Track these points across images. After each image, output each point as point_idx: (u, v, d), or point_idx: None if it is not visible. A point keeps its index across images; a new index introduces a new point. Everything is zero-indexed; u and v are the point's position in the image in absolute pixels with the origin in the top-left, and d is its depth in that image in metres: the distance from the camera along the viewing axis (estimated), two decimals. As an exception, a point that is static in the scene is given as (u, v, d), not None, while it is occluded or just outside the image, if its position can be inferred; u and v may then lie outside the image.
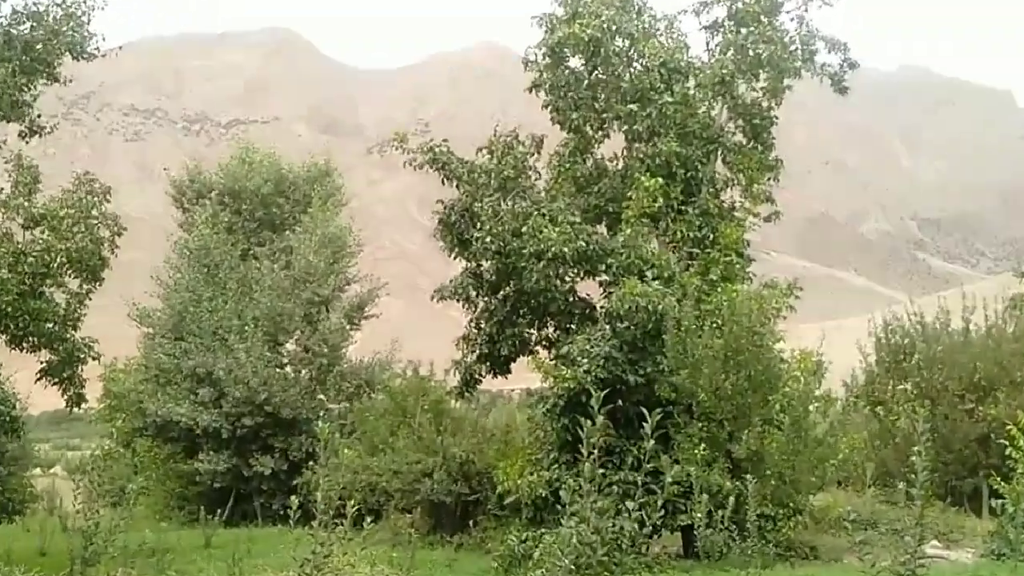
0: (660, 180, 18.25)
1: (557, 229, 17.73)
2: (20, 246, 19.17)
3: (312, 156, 34.15)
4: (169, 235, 31.84)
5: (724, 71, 19.25)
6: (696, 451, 15.56)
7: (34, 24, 18.42)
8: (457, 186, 19.57)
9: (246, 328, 27.97)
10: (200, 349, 28.07)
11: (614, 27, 19.49)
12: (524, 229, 18.04)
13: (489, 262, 19.38)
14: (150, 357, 29.46)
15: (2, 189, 20.03)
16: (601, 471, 7.14)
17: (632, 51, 19.86)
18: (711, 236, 18.82)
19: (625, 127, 19.85)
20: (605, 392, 7.79)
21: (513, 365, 20.24)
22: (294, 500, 7.65)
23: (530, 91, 20.62)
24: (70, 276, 19.79)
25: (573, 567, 6.85)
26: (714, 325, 16.43)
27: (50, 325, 19.49)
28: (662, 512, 7.28)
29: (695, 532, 10.85)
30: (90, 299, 20.24)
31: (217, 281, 29.16)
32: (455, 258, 19.93)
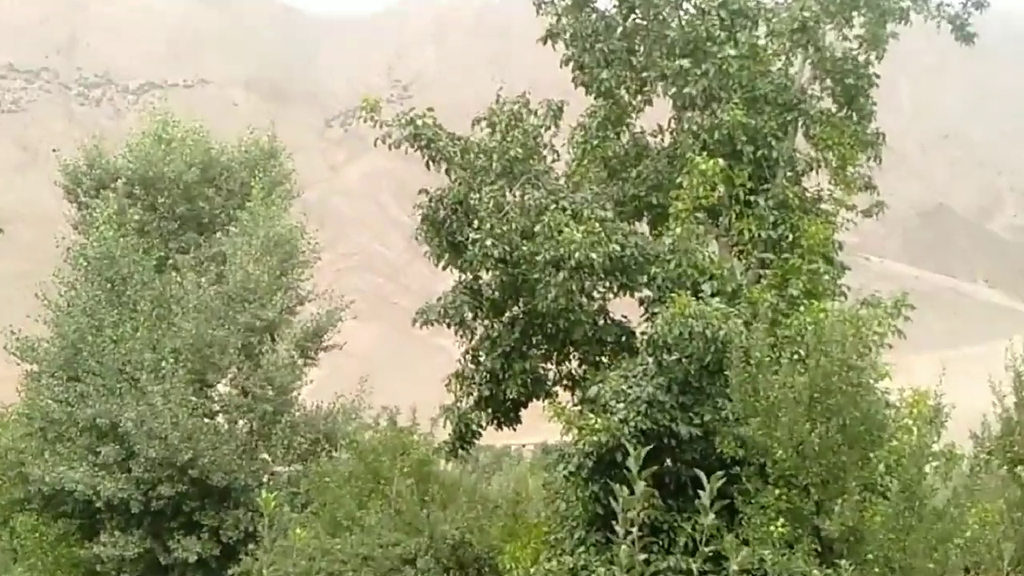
0: (720, 161, 18.29)
1: (582, 228, 17.76)
2: None
3: (252, 131, 34.24)
4: (60, 239, 31.95)
5: (806, 14, 19.34)
6: (772, 528, 15.51)
7: None
8: (447, 171, 19.64)
9: (163, 364, 27.98)
10: (102, 393, 28.06)
11: (657, -45, 19.61)
12: (538, 228, 18.08)
13: (490, 273, 19.40)
14: (35, 404, 29.45)
15: None
16: (643, 556, 7.11)
17: (683, -14, 19.95)
18: (790, 236, 18.84)
19: (673, 90, 19.92)
20: (648, 448, 7.77)
21: (524, 412, 20.24)
22: (229, 598, 7.64)
23: (544, 42, 20.73)
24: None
25: None
26: (795, 357, 16.41)
27: None
28: (727, 612, 7.25)
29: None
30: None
31: (124, 301, 29.21)
32: (444, 268, 19.96)
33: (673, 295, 17.19)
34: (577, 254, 17.56)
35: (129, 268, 29.34)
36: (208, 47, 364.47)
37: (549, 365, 20.17)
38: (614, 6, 20.10)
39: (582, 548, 16.91)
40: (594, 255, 17.60)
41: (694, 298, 16.96)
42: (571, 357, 20.02)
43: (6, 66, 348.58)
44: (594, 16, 20.19)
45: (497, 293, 19.65)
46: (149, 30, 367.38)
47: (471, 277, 19.87)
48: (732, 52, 19.25)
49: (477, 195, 18.98)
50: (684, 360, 16.74)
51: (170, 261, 30.34)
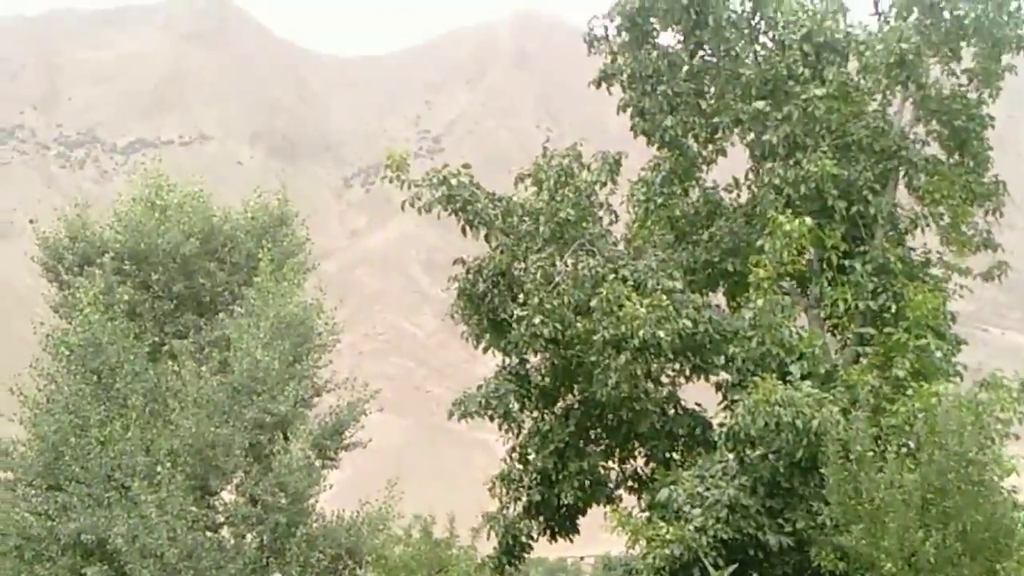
0: (808, 220, 18.30)
1: (647, 301, 17.79)
2: None
3: (260, 194, 34.62)
4: (37, 324, 32.25)
5: (904, 45, 19.41)
6: (882, 655, 15.30)
7: None
8: (487, 237, 19.78)
9: (159, 469, 28.05)
10: (87, 504, 28.16)
11: (727, -19, 19.81)
12: (594, 302, 18.12)
13: (539, 356, 19.46)
14: (9, 518, 29.56)
15: None
16: None
17: (758, 18, 20.12)
18: (893, 307, 18.79)
19: (750, 137, 20.02)
20: (733, 564, 7.73)
21: (581, 520, 20.15)
22: None
23: (597, 85, 20.90)
24: None
25: None
26: (903, 450, 16.27)
27: None
28: None
29: None
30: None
31: (113, 395, 29.36)
32: (485, 350, 20.02)
33: (756, 379, 17.13)
34: (641, 332, 17.57)
35: (118, 357, 29.51)
36: (207, 97, 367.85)
37: (610, 464, 20.12)
38: (678, 42, 20.30)
39: None
40: (661, 333, 17.60)
41: (781, 382, 16.89)
42: (636, 454, 19.98)
43: None
44: (655, 54, 20.38)
45: (547, 379, 19.66)
46: (138, 79, 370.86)
47: (517, 361, 19.91)
48: (818, 92, 19.35)
49: (522, 264, 19.09)
50: (771, 456, 16.64)
51: (166, 348, 30.51)
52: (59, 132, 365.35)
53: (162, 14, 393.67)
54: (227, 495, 29.55)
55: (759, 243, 18.58)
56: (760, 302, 18.00)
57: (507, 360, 20.02)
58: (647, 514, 17.95)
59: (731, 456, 17.02)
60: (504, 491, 20.31)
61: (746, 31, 20.22)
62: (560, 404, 19.96)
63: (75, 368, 29.65)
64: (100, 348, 29.43)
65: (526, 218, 19.51)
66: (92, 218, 33.50)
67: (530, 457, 20.10)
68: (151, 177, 33.98)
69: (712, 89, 20.61)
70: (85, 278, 31.04)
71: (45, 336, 30.94)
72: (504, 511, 20.26)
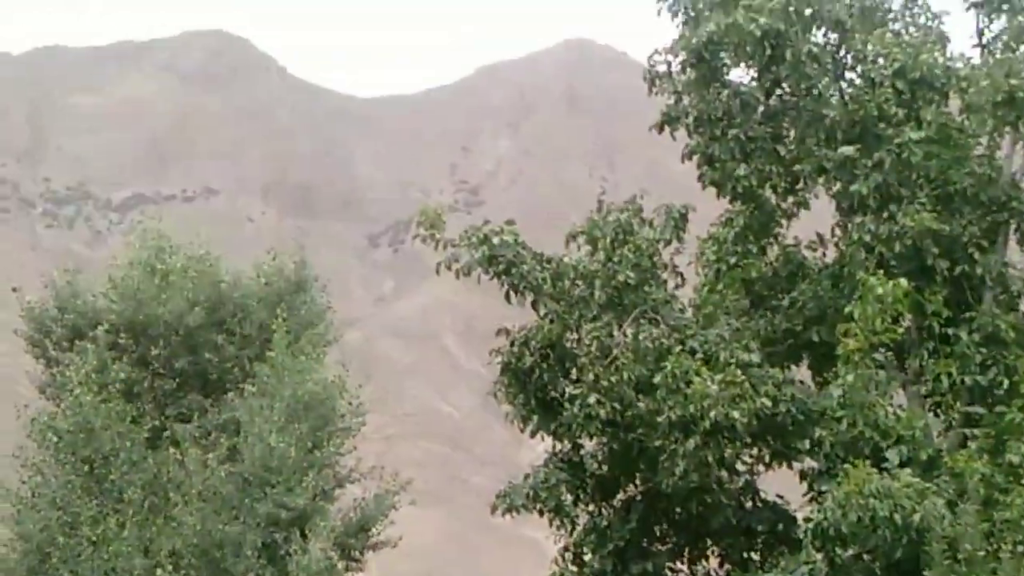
0: (904, 282, 18.24)
1: (719, 377, 17.74)
2: None
3: (274, 256, 34.84)
4: (21, 407, 32.44)
5: (1013, 81, 19.37)
6: None
7: None
8: (534, 303, 19.81)
9: (159, 573, 28.09)
10: (77, 612, 28.20)
11: (808, 9, 19.87)
12: (658, 378, 18.09)
13: (595, 440, 19.40)
14: (-12, 629, 29.64)
15: None
16: None
17: (844, 51, 20.17)
18: (1005, 382, 18.65)
19: (836, 187, 19.99)
20: None
21: (646, 630, 20.02)
22: None
23: (660, 129, 20.94)
24: None
25: None
26: (1020, 549, 16.12)
27: None
28: None
29: None
30: None
31: (107, 488, 29.47)
32: (533, 434, 19.99)
33: (847, 466, 17.02)
34: (713, 412, 17.52)
35: (113, 444, 29.64)
36: (213, 146, 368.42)
37: (679, 565, 20.01)
38: (752, 79, 20.35)
39: None
40: (736, 413, 17.55)
41: (876, 470, 16.78)
42: (709, 554, 19.85)
43: None
44: (726, 93, 20.44)
45: (605, 467, 19.62)
46: (137, 127, 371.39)
47: (569, 446, 19.88)
48: (914, 135, 19.34)
49: (575, 335, 19.09)
50: (866, 557, 16.52)
51: (167, 433, 30.62)
52: (46, 187, 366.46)
53: (165, 53, 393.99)
54: (237, 602, 29.53)
55: (848, 309, 18.50)
56: (850, 377, 17.91)
57: (558, 445, 19.98)
58: (723, 625, 17.83)
59: (819, 556, 16.89)
60: (557, 597, 20.25)
61: (830, 66, 20.27)
62: (620, 496, 19.90)
63: (64, 457, 29.78)
64: (92, 434, 29.57)
65: (579, 282, 19.53)
66: (83, 285, 33.75)
67: (586, 558, 20.02)
68: (150, 238, 34.22)
69: (791, 133, 20.63)
70: (76, 354, 31.24)
71: (30, 421, 31.09)
72: (557, 620, 20.18)
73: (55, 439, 30.01)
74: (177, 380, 31.81)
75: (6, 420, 33.03)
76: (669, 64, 20.68)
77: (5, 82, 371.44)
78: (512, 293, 19.73)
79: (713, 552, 19.91)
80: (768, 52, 19.88)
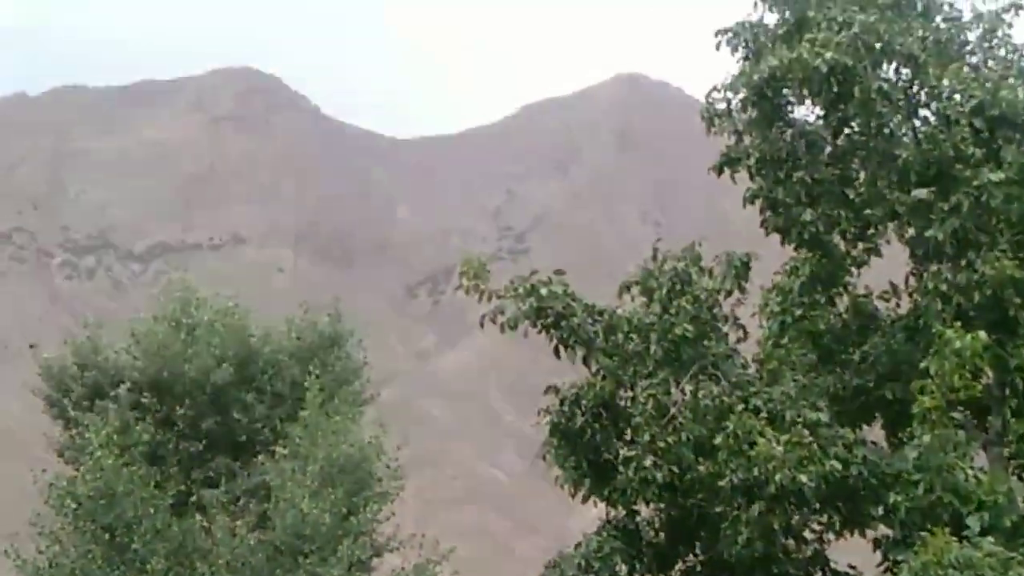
0: (983, 335, 18.15)
1: (784, 437, 17.70)
2: None
3: (306, 309, 34.94)
4: (38, 472, 32.57)
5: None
6: None
7: None
8: (585, 359, 19.82)
9: (184, 648, 28.12)
10: None
11: (878, 42, 19.87)
12: (719, 439, 18.06)
13: (652, 506, 19.35)
14: None
15: None
16: None
17: (917, 87, 20.14)
18: (1099, 444, 18.54)
19: (910, 233, 19.94)
20: None
21: None
22: None
23: (719, 171, 20.97)
24: None
25: None
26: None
27: None
28: None
29: None
30: None
31: (130, 558, 29.54)
32: (585, 499, 19.96)
33: (924, 534, 16.93)
34: (778, 476, 17.47)
35: (135, 510, 29.73)
36: (241, 190, 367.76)
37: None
38: (818, 118, 20.35)
39: None
40: (803, 477, 17.49)
41: (955, 538, 16.68)
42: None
43: None
44: (790, 133, 20.46)
45: (662, 535, 19.57)
46: (161, 171, 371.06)
47: (624, 512, 19.83)
48: (994, 176, 19.30)
49: (630, 393, 19.09)
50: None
51: (193, 499, 30.69)
52: (65, 236, 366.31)
53: (192, 93, 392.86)
54: None
55: (924, 364, 18.44)
56: (927, 438, 17.84)
57: (612, 512, 19.95)
58: None
59: (895, 633, 16.78)
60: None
61: (902, 103, 20.24)
62: (679, 566, 19.84)
63: (83, 525, 29.88)
64: (114, 500, 29.67)
65: (633, 335, 19.53)
66: (105, 340, 33.93)
67: (643, 633, 19.95)
68: (175, 290, 34.39)
69: (861, 175, 20.60)
70: (96, 414, 31.38)
71: (48, 485, 31.22)
72: None
73: (74, 505, 30.11)
74: (204, 442, 31.89)
75: (22, 485, 33.09)
76: (729, 101, 20.71)
77: (22, 124, 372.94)
78: (562, 348, 19.75)
79: (780, 628, 19.80)
80: (835, 89, 19.87)
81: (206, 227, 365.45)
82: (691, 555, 19.83)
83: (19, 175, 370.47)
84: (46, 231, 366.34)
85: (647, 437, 18.44)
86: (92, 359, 33.22)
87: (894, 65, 20.32)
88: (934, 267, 19.94)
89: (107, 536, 29.79)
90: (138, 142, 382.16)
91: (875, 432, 20.66)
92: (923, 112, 20.50)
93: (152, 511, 29.80)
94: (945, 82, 19.97)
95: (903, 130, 20.33)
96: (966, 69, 20.18)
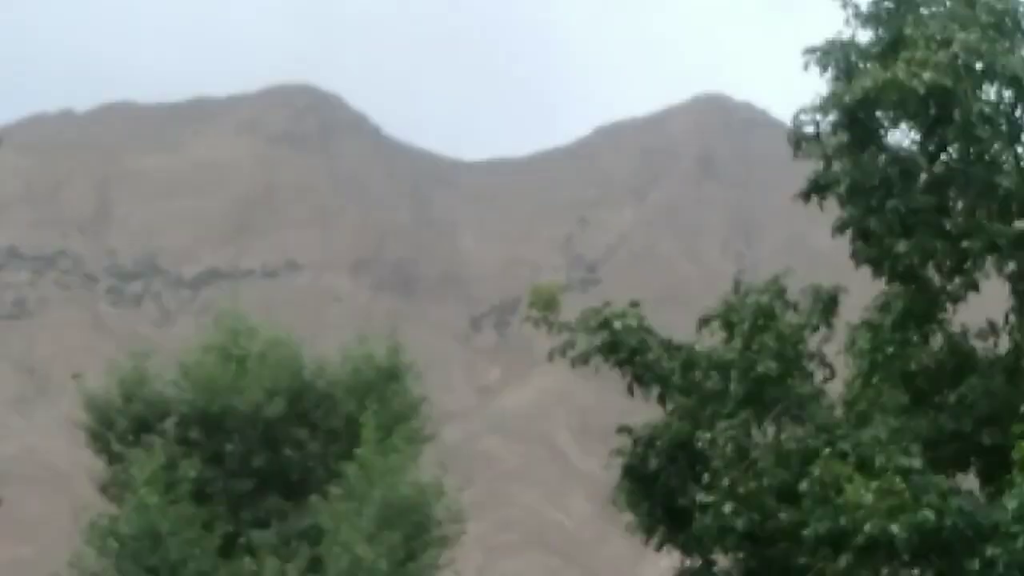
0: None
1: (874, 484, 17.56)
2: None
3: (363, 340, 34.98)
4: (80, 509, 32.74)
5: None
6: None
7: None
8: (661, 397, 19.76)
9: None
10: None
11: (979, 63, 19.74)
12: (804, 485, 17.94)
13: (732, 555, 19.24)
14: None
15: None
16: None
17: (1021, 110, 20.00)
18: None
19: (1011, 267, 19.77)
20: None
21: None
22: None
23: (807, 198, 20.86)
24: None
25: None
26: None
27: None
28: None
29: None
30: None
31: (174, 602, 29.64)
32: (659, 547, 19.88)
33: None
34: (868, 526, 17.34)
35: (181, 552, 29.85)
36: (297, 214, 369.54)
37: None
38: (913, 143, 20.19)
39: None
40: (894, 527, 17.36)
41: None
42: None
43: (4, 250, 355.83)
44: (883, 158, 20.30)
45: (744, 587, 19.44)
46: (211, 193, 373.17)
47: (700, 562, 19.74)
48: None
49: (708, 434, 18.99)
50: None
51: (241, 540, 30.80)
52: (111, 261, 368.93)
53: (246, 111, 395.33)
54: None
55: (1025, 409, 18.29)
56: (1028, 487, 17.68)
57: (687, 561, 19.84)
58: None
59: None
60: None
61: (1004, 128, 20.06)
62: (760, 622, 19.70)
63: (126, 566, 30.04)
64: (158, 540, 29.80)
65: (713, 373, 19.45)
66: (151, 371, 34.11)
67: None
68: (226, 319, 34.50)
69: (959, 204, 20.42)
70: (141, 449, 31.55)
71: (89, 524, 31.40)
72: None
73: (116, 545, 30.27)
74: (254, 480, 31.98)
75: (62, 523, 33.38)
76: (817, 124, 20.58)
77: (67, 143, 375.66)
78: (635, 385, 19.70)
79: None
80: (933, 112, 19.74)
81: (259, 252, 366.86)
82: (772, 609, 19.70)
83: (64, 196, 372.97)
84: (91, 255, 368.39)
85: (726, 482, 18.36)
86: (137, 391, 33.40)
87: (996, 87, 20.15)
88: (1036, 304, 19.82)
89: (151, 578, 29.88)
90: (189, 162, 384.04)
91: (970, 481, 20.45)
92: (1026, 136, 20.34)
93: (198, 553, 29.94)
94: (1051, 105, 19.85)
95: (1005, 157, 20.12)
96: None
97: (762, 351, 19.26)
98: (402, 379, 33.74)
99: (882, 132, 20.50)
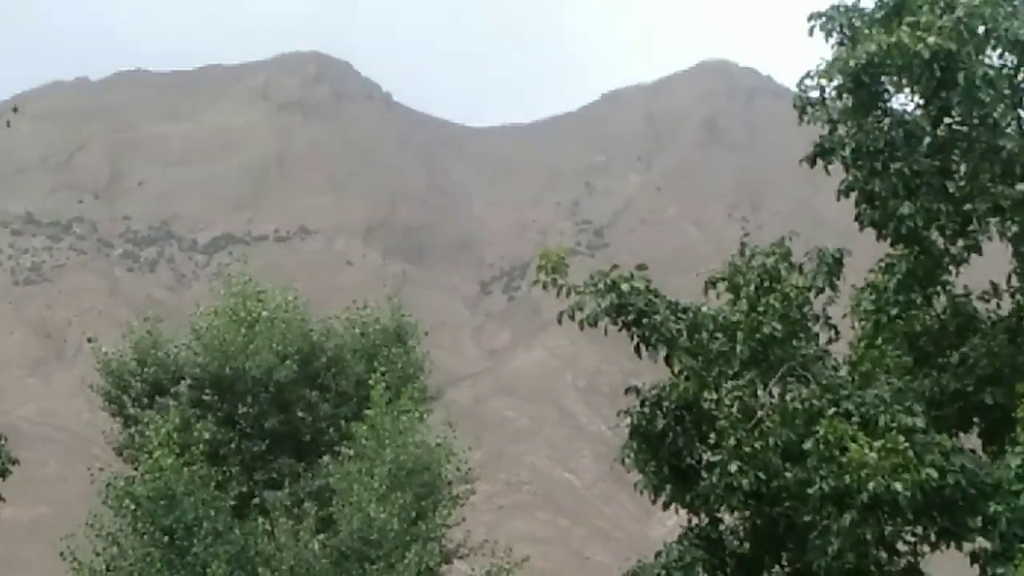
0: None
1: (878, 443, 17.54)
2: None
3: (364, 304, 34.90)
4: (95, 470, 32.78)
5: None
6: None
7: None
8: (668, 358, 19.73)
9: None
10: None
11: (983, 27, 19.66)
12: (808, 444, 17.94)
13: (737, 514, 19.26)
14: None
15: None
16: None
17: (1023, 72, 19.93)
18: None
19: (1013, 229, 19.72)
20: None
21: None
22: None
23: (812, 163, 20.81)
24: None
25: None
26: None
27: None
28: None
29: None
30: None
31: (190, 561, 29.70)
32: (666, 506, 19.89)
33: (1025, 547, 16.77)
34: (871, 484, 17.33)
35: (196, 512, 29.88)
36: (310, 181, 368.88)
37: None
38: (917, 106, 20.13)
39: None
40: (898, 485, 17.34)
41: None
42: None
43: (21, 216, 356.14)
44: (888, 122, 20.23)
45: (747, 545, 19.46)
46: (225, 159, 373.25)
47: (707, 520, 19.74)
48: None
49: (714, 395, 18.98)
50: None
51: (255, 501, 30.81)
52: (126, 226, 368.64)
53: (260, 79, 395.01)
54: None
55: (1028, 369, 18.27)
56: (1030, 447, 17.66)
57: (694, 519, 19.86)
58: None
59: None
60: None
61: (1008, 92, 19.98)
62: (765, 577, 19.71)
63: (142, 526, 30.06)
64: (174, 501, 29.82)
65: (719, 334, 19.43)
66: (166, 335, 34.10)
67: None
68: (238, 282, 34.40)
69: (962, 167, 20.36)
70: (156, 412, 31.55)
71: (105, 485, 31.42)
72: None
73: (132, 506, 30.29)
74: (267, 442, 32.00)
75: (80, 485, 33.32)
76: (822, 89, 20.51)
77: (82, 111, 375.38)
78: (643, 346, 19.66)
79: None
80: (937, 76, 19.65)
81: (272, 218, 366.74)
82: (777, 566, 19.71)
83: (79, 163, 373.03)
84: (107, 221, 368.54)
85: (732, 441, 18.35)
86: (152, 355, 33.39)
87: (999, 51, 20.07)
88: (1038, 265, 19.77)
89: (166, 539, 29.97)
90: (202, 129, 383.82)
91: (973, 440, 20.44)
92: (1030, 99, 20.26)
93: (213, 513, 29.96)
94: (1054, 69, 19.78)
95: (1008, 120, 20.05)
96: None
97: (767, 313, 19.24)
98: (412, 344, 33.73)
99: (886, 96, 20.43)
